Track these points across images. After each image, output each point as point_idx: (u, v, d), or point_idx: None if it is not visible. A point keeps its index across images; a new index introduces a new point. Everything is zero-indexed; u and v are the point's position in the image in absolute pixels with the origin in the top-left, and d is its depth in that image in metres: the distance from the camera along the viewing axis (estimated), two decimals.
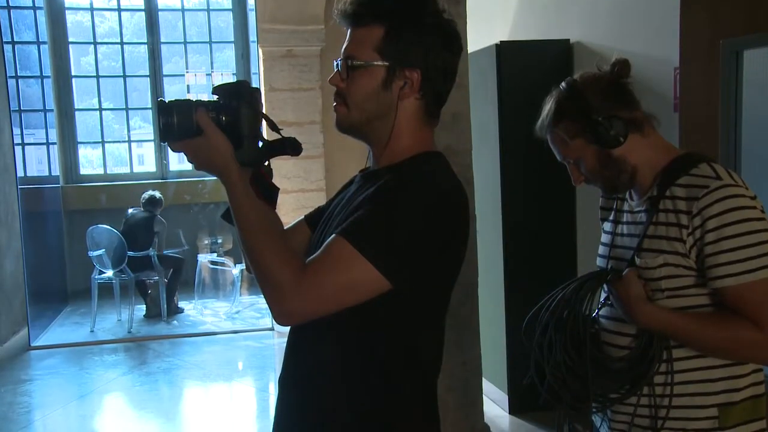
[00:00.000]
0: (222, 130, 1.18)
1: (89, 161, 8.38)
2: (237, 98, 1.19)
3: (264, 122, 1.25)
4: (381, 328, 1.24)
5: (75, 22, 8.23)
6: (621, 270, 1.48)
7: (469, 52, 3.31)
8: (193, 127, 1.17)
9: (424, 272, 1.20)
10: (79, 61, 8.44)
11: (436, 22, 1.24)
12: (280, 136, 1.25)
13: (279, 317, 1.18)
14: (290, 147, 1.23)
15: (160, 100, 1.18)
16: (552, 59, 3.83)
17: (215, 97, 1.21)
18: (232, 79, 8.18)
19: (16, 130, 6.28)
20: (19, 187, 5.96)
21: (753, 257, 1.35)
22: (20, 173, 6.04)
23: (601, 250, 1.63)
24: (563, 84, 1.51)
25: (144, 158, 8.46)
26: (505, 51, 3.80)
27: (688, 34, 2.47)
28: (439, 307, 1.31)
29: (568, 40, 3.84)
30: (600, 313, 1.58)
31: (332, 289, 1.15)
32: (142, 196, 6.74)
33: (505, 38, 4.17)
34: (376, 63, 1.23)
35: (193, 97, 8.63)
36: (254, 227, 1.18)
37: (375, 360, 1.24)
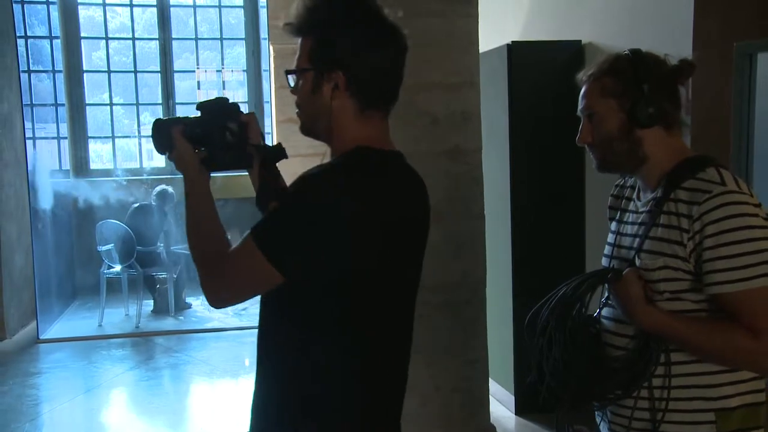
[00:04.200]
0: (197, 142, 1.41)
1: (99, 156, 8.41)
2: (211, 114, 1.41)
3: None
4: (310, 323, 1.30)
5: (87, 17, 8.26)
6: (622, 270, 1.48)
7: (480, 51, 3.31)
8: (170, 142, 1.41)
9: (317, 266, 1.25)
10: (90, 56, 8.47)
11: (365, 23, 1.30)
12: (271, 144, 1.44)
13: (208, 301, 1.35)
14: (272, 153, 1.43)
15: (156, 119, 1.42)
16: (563, 60, 3.82)
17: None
18: (242, 76, 8.20)
19: (27, 125, 6.31)
20: (30, 180, 5.99)
21: (751, 265, 1.35)
22: (30, 167, 6.06)
23: (606, 249, 1.64)
24: (633, 49, 1.52)
25: (153, 154, 8.47)
26: (517, 51, 3.79)
27: (701, 36, 2.46)
28: (365, 302, 1.30)
29: (580, 41, 3.83)
30: (602, 312, 1.59)
31: (237, 278, 1.30)
32: (154, 189, 6.77)
33: (516, 38, 4.16)
34: (303, 69, 1.33)
35: (203, 93, 8.64)
36: (199, 225, 1.39)
37: (308, 356, 1.31)
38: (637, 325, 1.45)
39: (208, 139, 1.41)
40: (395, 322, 1.38)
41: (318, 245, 1.23)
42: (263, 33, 7.39)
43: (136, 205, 6.81)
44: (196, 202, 1.41)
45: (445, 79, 3.18)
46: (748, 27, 2.35)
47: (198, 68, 8.32)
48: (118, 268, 6.39)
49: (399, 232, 1.31)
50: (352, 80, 1.29)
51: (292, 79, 1.35)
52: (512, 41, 3.87)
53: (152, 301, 6.72)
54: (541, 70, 3.80)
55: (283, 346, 1.35)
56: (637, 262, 1.47)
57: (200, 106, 1.42)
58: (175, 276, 6.57)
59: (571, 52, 3.83)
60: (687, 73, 1.51)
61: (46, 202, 6.38)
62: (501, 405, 4.01)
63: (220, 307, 1.40)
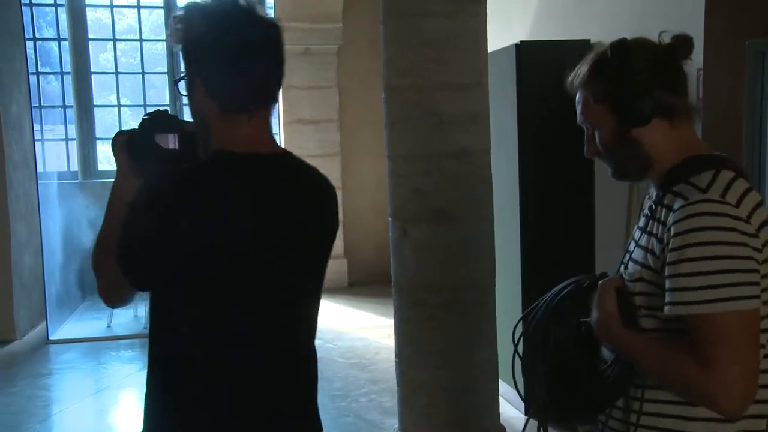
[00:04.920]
0: (135, 154, 1.48)
1: (106, 158, 8.43)
2: (145, 127, 1.48)
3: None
4: (164, 318, 1.43)
5: (94, 19, 8.29)
6: (600, 279, 1.38)
7: (488, 51, 3.30)
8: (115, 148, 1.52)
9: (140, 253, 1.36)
10: (97, 57, 8.50)
11: (219, 31, 1.36)
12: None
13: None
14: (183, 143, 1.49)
15: (117, 131, 1.53)
16: (572, 59, 3.79)
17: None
18: None
19: (36, 126, 6.33)
20: (39, 182, 6.02)
21: (709, 287, 1.17)
22: (39, 169, 6.09)
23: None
24: (613, 42, 1.35)
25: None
26: (525, 51, 3.78)
27: (712, 34, 2.45)
28: (186, 298, 1.38)
29: (589, 40, 3.81)
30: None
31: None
32: None
33: (524, 38, 4.15)
34: (181, 77, 1.43)
35: None
36: (103, 229, 1.47)
37: (162, 344, 1.44)
38: (600, 340, 1.33)
39: (143, 150, 1.46)
40: (226, 315, 1.41)
41: (144, 244, 1.36)
42: None
43: None
44: (110, 207, 1.50)
45: (454, 79, 3.18)
46: (759, 25, 2.34)
47: None
48: None
49: (228, 229, 1.35)
50: (208, 85, 1.37)
51: (181, 86, 1.44)
52: (521, 41, 3.87)
53: None
54: (549, 69, 3.75)
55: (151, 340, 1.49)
56: (623, 271, 1.35)
57: (144, 118, 1.51)
58: None
59: (580, 52, 3.80)
60: (684, 50, 1.33)
61: (55, 203, 6.41)
62: (511, 406, 4.00)
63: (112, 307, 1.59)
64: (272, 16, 6.71)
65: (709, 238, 1.18)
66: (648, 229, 1.32)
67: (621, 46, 1.33)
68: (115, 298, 1.50)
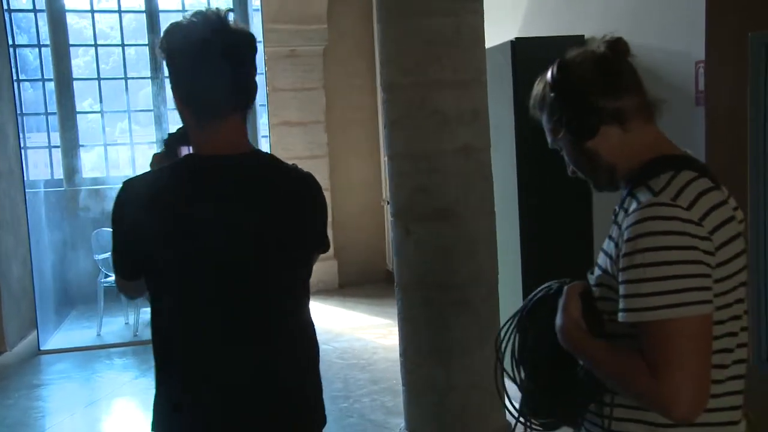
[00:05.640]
0: (165, 158, 1.69)
1: (91, 165, 8.32)
2: (169, 137, 1.73)
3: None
4: (152, 312, 1.59)
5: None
6: (566, 284, 1.38)
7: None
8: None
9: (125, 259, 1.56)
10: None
11: (184, 42, 1.47)
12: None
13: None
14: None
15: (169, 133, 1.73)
16: None
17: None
18: None
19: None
20: (26, 191, 5.93)
21: (657, 293, 1.15)
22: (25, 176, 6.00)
23: None
24: (555, 62, 1.38)
25: (149, 161, 8.40)
26: (520, 47, 3.80)
27: (714, 26, 2.47)
28: (168, 286, 1.52)
29: (583, 35, 3.84)
30: None
31: None
32: None
33: (519, 34, 4.17)
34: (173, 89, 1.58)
35: None
36: None
37: (153, 339, 1.60)
38: (563, 344, 1.32)
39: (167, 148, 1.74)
40: (185, 303, 1.52)
41: (115, 243, 1.56)
42: (257, 36, 7.36)
43: None
44: None
45: (454, 76, 3.18)
46: (763, 17, 2.36)
47: None
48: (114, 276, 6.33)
49: (182, 229, 1.47)
50: (180, 94, 1.51)
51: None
52: (516, 38, 3.88)
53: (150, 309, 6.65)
54: (545, 65, 3.78)
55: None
56: (590, 276, 1.36)
57: (169, 134, 1.74)
58: None
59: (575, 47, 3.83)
60: (619, 54, 1.33)
61: (41, 211, 6.32)
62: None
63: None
64: (258, 20, 6.67)
65: (657, 243, 1.16)
66: (610, 233, 1.32)
67: (559, 65, 1.36)
68: (128, 293, 1.70)
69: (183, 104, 1.52)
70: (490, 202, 3.31)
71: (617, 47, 1.34)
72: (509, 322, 1.44)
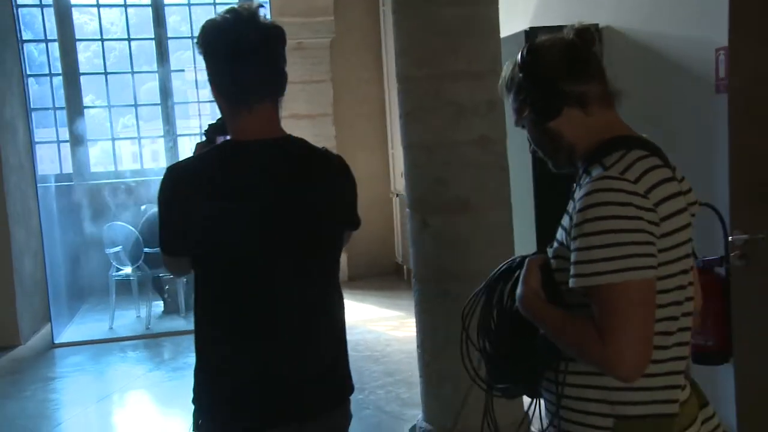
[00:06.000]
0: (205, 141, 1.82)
1: (98, 159, 8.33)
2: (208, 128, 1.83)
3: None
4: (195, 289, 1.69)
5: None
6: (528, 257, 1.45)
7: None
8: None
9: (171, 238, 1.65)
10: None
11: (217, 36, 1.60)
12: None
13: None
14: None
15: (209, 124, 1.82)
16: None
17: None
18: None
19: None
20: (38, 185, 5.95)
21: (603, 259, 1.23)
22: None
23: None
24: (525, 46, 1.45)
25: (158, 155, 8.41)
26: (534, 37, 3.78)
27: (737, 12, 2.45)
28: (209, 262, 1.64)
29: (597, 24, 3.83)
30: None
31: None
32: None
33: (532, 24, 4.16)
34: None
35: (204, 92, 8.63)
36: None
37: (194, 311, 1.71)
38: (522, 312, 1.39)
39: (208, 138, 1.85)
40: (230, 286, 1.63)
41: (162, 223, 1.65)
42: None
43: (143, 207, 6.77)
44: None
45: (470, 67, 3.17)
46: None
47: (195, 67, 8.23)
48: (127, 270, 6.36)
49: (216, 208, 1.57)
50: (214, 84, 1.64)
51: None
52: (529, 27, 3.87)
53: (162, 302, 6.69)
54: None
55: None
56: (549, 250, 1.42)
57: (209, 124, 1.83)
58: (185, 278, 6.53)
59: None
60: (586, 42, 1.40)
61: (53, 205, 6.34)
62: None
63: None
64: (268, 13, 6.67)
65: (604, 212, 1.24)
66: (567, 208, 1.39)
67: (529, 48, 1.42)
68: (174, 270, 1.82)
69: (219, 94, 1.64)
70: (506, 193, 3.30)
71: (585, 36, 1.41)
72: (475, 295, 1.51)
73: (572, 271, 1.27)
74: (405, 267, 7.34)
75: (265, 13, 1.62)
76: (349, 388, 1.77)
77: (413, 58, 3.23)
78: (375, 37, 7.68)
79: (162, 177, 1.63)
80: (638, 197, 1.26)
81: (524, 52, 1.41)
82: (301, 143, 1.69)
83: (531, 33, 3.80)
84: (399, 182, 7.49)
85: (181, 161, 1.70)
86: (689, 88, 3.21)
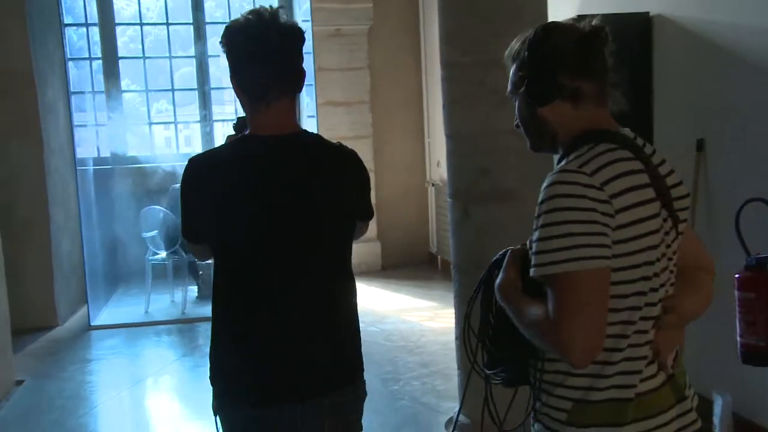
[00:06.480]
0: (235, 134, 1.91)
1: (133, 143, 8.40)
2: (237, 122, 1.94)
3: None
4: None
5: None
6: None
7: None
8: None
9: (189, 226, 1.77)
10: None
11: (235, 44, 1.71)
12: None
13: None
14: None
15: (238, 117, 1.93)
16: (630, 34, 3.70)
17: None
18: None
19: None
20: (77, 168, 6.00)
21: (557, 249, 1.28)
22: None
23: None
24: (540, 24, 1.47)
25: (191, 140, 8.46)
26: None
27: None
28: (220, 250, 1.75)
29: (648, 12, 3.71)
30: None
31: None
32: None
33: (581, 11, 4.05)
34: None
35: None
36: None
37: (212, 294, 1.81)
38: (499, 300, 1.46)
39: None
40: (240, 270, 1.73)
41: (183, 212, 1.77)
42: (297, 16, 7.30)
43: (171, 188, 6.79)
44: None
45: None
46: None
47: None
48: (163, 254, 6.39)
49: (229, 196, 1.68)
50: (236, 81, 1.73)
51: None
52: (577, 15, 3.76)
53: (196, 287, 6.72)
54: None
55: None
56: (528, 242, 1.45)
57: (238, 117, 1.93)
58: None
59: (639, 26, 3.71)
60: (598, 39, 1.41)
61: (91, 188, 6.39)
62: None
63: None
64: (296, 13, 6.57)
65: (559, 204, 1.28)
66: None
67: (544, 28, 1.44)
68: (195, 255, 1.97)
69: (240, 91, 1.74)
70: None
71: (600, 34, 1.43)
72: (477, 283, 1.56)
73: (533, 261, 1.33)
74: (439, 257, 7.28)
75: (286, 13, 1.73)
76: (353, 371, 1.82)
77: (458, 45, 3.17)
78: (413, 24, 7.60)
79: (185, 167, 1.74)
80: (593, 189, 1.29)
81: (537, 31, 1.43)
82: (314, 138, 1.79)
83: (579, 21, 3.70)
84: (435, 171, 7.42)
85: (201, 153, 1.82)
86: (752, 81, 3.09)
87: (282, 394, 1.70)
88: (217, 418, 1.77)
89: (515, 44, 1.48)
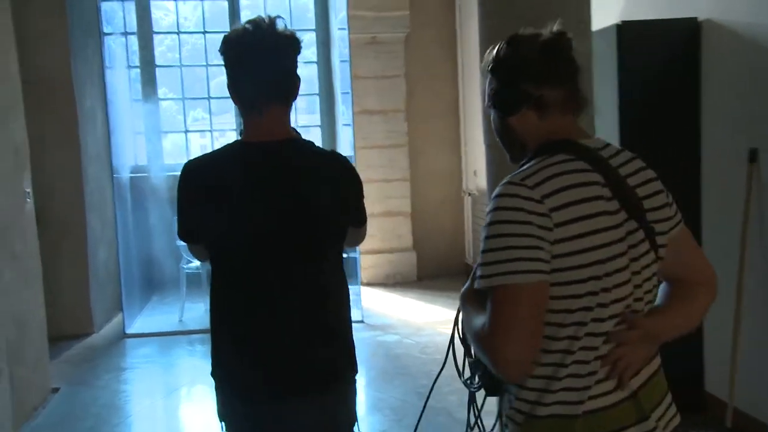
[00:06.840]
0: None
1: (168, 151, 8.46)
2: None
3: None
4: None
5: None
6: None
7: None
8: None
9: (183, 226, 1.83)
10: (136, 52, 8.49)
11: (234, 45, 1.76)
12: None
13: None
14: None
15: None
16: (678, 40, 3.58)
17: None
18: (313, 67, 8.10)
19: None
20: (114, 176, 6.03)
21: (493, 262, 1.30)
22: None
23: None
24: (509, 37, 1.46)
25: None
26: (626, 31, 3.58)
27: None
28: (216, 252, 1.81)
29: (696, 18, 3.58)
30: None
31: None
32: None
33: (625, 17, 3.93)
34: None
35: None
36: None
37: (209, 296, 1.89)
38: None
39: None
40: (233, 267, 1.79)
41: (179, 213, 1.82)
42: (333, 24, 7.27)
43: None
44: None
45: None
46: None
47: None
48: (197, 263, 6.38)
49: (217, 197, 1.73)
50: (231, 89, 1.78)
51: None
52: (622, 21, 3.66)
53: None
54: (653, 51, 3.58)
55: None
56: None
57: None
58: None
59: (687, 31, 3.59)
60: (558, 47, 1.40)
61: (127, 196, 6.42)
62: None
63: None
64: (343, 5, 6.59)
65: (498, 217, 1.31)
66: None
67: (507, 40, 1.43)
68: (194, 255, 1.99)
69: (235, 98, 1.79)
70: None
71: (562, 39, 1.41)
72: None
73: (477, 273, 1.35)
74: None
75: (284, 23, 1.76)
76: (350, 370, 1.87)
77: None
78: (450, 32, 7.52)
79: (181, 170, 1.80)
80: (531, 202, 1.29)
81: (503, 44, 1.43)
82: (305, 145, 1.82)
83: (623, 27, 3.59)
84: (471, 181, 7.32)
85: (195, 157, 1.85)
86: None
87: (281, 392, 1.76)
88: (223, 424, 1.86)
89: (487, 57, 1.48)
